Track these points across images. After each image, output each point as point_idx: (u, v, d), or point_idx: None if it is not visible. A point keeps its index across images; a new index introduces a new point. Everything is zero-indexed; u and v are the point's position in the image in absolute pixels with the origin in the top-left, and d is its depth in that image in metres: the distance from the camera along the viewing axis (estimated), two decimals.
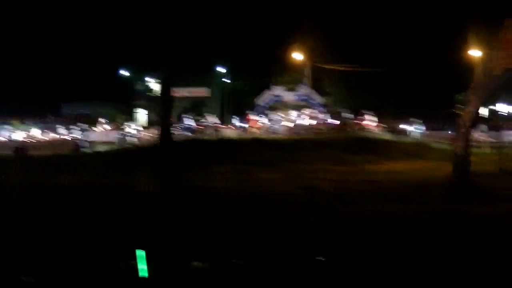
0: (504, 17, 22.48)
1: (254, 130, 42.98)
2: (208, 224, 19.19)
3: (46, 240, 17.44)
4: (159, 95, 28.63)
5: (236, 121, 47.62)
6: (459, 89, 48.99)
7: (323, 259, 12.00)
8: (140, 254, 11.24)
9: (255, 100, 59.78)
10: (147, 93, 61.84)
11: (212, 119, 48.81)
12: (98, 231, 18.37)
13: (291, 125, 45.85)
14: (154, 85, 59.22)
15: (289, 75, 58.43)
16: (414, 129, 42.47)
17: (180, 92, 57.59)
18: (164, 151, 26.17)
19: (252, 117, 46.33)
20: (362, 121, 43.12)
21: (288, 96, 59.75)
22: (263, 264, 11.77)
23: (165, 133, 26.67)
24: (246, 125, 46.04)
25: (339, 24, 53.35)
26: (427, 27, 51.89)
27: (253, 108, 57.48)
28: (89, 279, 11.41)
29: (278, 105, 58.62)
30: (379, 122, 44.11)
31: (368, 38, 53.36)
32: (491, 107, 44.03)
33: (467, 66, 37.83)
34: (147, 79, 62.02)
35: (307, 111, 51.54)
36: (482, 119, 42.60)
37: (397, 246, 14.59)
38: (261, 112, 55.33)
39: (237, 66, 60.85)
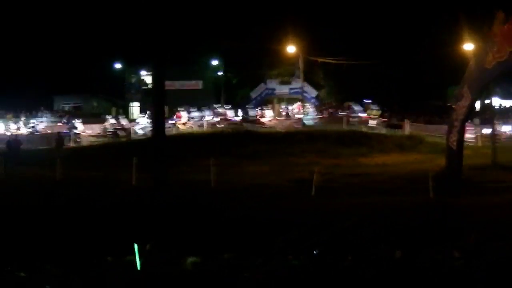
0: (496, 11, 22.45)
1: (181, 126, 41.56)
2: (197, 218, 19.24)
3: (38, 235, 17.47)
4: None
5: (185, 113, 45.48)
6: (452, 83, 49.28)
7: (315, 252, 11.96)
8: (134, 247, 11.21)
9: (251, 94, 59.84)
10: (142, 87, 61.75)
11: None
12: (88, 225, 18.42)
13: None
14: (148, 78, 59.07)
15: (282, 68, 58.44)
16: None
17: (173, 85, 57.72)
18: (157, 145, 26.11)
19: (181, 113, 45.01)
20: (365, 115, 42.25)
21: (282, 89, 59.79)
22: (250, 257, 11.76)
23: (158, 127, 26.59)
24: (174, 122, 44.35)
25: (332, 16, 53.37)
26: (420, 21, 51.89)
27: (248, 101, 57.54)
28: (82, 274, 11.34)
29: (272, 99, 58.72)
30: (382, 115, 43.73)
31: (361, 31, 53.35)
32: (486, 101, 44.03)
33: (460, 60, 37.99)
34: (142, 72, 61.91)
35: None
36: (475, 113, 42.71)
37: (380, 239, 14.64)
38: (256, 105, 55.40)
39: (230, 59, 60.79)
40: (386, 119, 42.86)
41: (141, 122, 41.27)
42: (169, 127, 40.39)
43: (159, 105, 26.74)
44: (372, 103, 45.41)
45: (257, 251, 13.19)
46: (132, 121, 47.65)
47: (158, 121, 26.62)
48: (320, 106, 51.42)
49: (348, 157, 31.99)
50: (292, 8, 53.25)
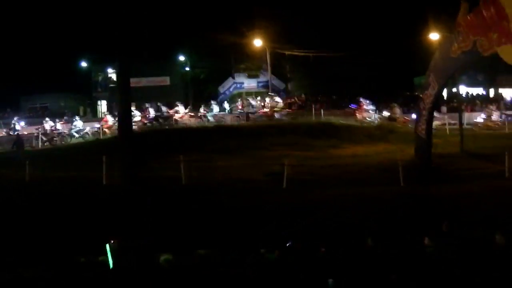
0: (460, 1, 22.66)
1: (107, 130, 40.08)
2: (172, 214, 19.17)
3: (12, 235, 17.29)
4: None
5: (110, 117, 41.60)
6: (418, 72, 49.74)
7: (288, 244, 12.03)
8: (107, 247, 11.20)
9: (219, 88, 59.69)
10: (109, 85, 61.22)
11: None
12: (62, 225, 18.27)
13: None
14: (114, 76, 58.54)
15: (249, 62, 58.40)
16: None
17: (140, 82, 57.31)
18: (123, 142, 25.89)
19: (107, 117, 42.79)
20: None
21: (250, 83, 59.75)
22: (226, 252, 11.78)
23: (124, 124, 26.36)
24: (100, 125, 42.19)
25: (298, 7, 53.45)
26: (387, 11, 52.26)
27: (216, 96, 57.38)
28: (58, 273, 11.30)
29: (240, 93, 58.62)
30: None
31: (328, 23, 53.51)
32: (453, 89, 44.50)
33: (426, 50, 38.34)
34: (108, 70, 61.36)
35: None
36: (442, 101, 43.14)
37: (353, 229, 14.74)
38: (224, 100, 55.29)
39: (197, 54, 60.55)
40: (290, 110, 43.04)
41: (77, 125, 40.15)
42: (96, 130, 39.79)
43: (125, 102, 26.49)
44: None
45: (231, 246, 13.23)
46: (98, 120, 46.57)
47: (124, 119, 26.40)
48: (288, 99, 51.47)
49: (319, 148, 32.04)
50: (260, 1, 53.35)
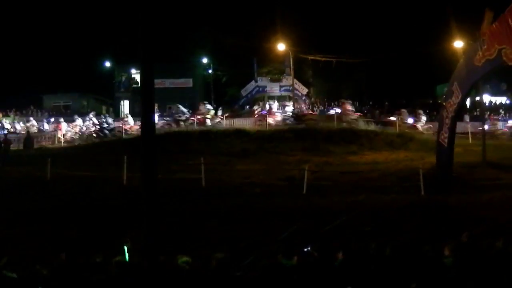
0: (485, 9, 22.47)
1: (62, 138, 39.65)
2: (188, 217, 19.23)
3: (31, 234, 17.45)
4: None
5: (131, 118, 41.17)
6: (440, 80, 49.50)
7: (307, 249, 11.98)
8: (124, 247, 11.25)
9: (241, 91, 59.74)
10: (132, 85, 61.54)
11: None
12: (80, 224, 18.41)
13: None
14: (138, 76, 58.79)
15: (272, 66, 58.35)
16: None
17: (164, 83, 57.58)
18: (145, 144, 25.90)
19: (61, 125, 42.02)
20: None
21: (272, 87, 59.70)
22: (240, 256, 11.76)
23: (147, 125, 26.38)
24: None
25: (322, 13, 53.47)
26: (410, 19, 52.10)
27: (239, 99, 57.52)
28: (74, 271, 11.36)
29: (263, 96, 58.63)
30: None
31: (352, 29, 53.47)
32: (476, 98, 44.23)
33: (449, 58, 38.09)
34: (132, 70, 61.70)
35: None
36: (465, 110, 42.83)
37: (371, 236, 14.65)
38: (246, 103, 55.30)
39: (220, 57, 60.74)
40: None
41: (109, 122, 40.27)
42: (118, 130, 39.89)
43: (148, 103, 26.52)
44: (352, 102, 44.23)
45: (249, 250, 13.20)
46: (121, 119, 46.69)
47: (147, 120, 26.41)
48: (310, 104, 51.34)
49: (339, 155, 31.94)
50: (282, 5, 53.36)
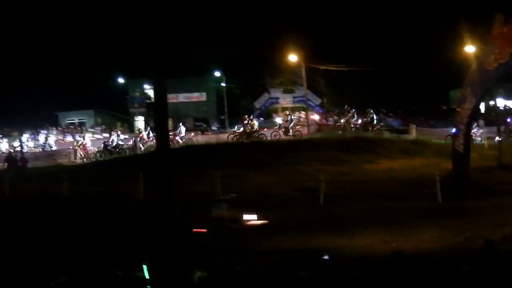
0: (495, 12, 22.39)
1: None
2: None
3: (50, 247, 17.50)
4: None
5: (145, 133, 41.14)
6: (454, 85, 49.24)
7: (326, 258, 11.90)
8: (144, 265, 11.24)
9: (255, 103, 59.81)
10: (146, 100, 61.84)
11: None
12: (97, 238, 18.45)
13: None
14: (151, 91, 58.98)
15: (284, 77, 58.39)
16: None
17: (178, 98, 57.85)
18: (160, 159, 25.97)
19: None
20: None
21: (286, 98, 59.74)
22: (256, 269, 11.73)
23: (162, 140, 26.44)
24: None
25: (333, 23, 53.44)
26: (421, 24, 51.93)
27: (252, 111, 57.58)
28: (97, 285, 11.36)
29: (276, 108, 58.72)
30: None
31: (362, 37, 53.39)
32: (490, 102, 44.01)
33: (462, 62, 37.89)
34: (145, 86, 62.03)
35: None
36: (479, 114, 42.53)
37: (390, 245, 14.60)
38: (258, 115, 55.32)
39: (232, 70, 60.87)
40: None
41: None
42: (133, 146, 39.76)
43: (162, 118, 26.60)
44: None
45: (267, 263, 13.16)
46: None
47: (161, 135, 26.48)
48: (324, 114, 51.29)
49: (354, 164, 31.81)
50: (293, 16, 53.46)
